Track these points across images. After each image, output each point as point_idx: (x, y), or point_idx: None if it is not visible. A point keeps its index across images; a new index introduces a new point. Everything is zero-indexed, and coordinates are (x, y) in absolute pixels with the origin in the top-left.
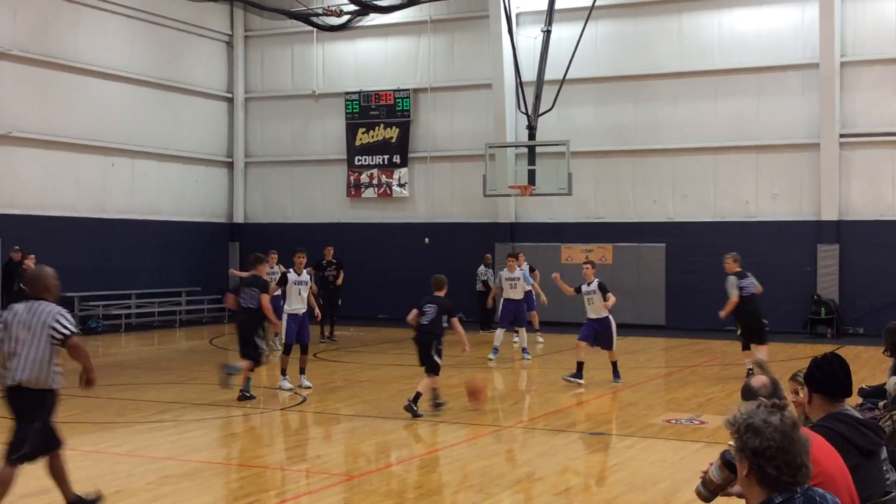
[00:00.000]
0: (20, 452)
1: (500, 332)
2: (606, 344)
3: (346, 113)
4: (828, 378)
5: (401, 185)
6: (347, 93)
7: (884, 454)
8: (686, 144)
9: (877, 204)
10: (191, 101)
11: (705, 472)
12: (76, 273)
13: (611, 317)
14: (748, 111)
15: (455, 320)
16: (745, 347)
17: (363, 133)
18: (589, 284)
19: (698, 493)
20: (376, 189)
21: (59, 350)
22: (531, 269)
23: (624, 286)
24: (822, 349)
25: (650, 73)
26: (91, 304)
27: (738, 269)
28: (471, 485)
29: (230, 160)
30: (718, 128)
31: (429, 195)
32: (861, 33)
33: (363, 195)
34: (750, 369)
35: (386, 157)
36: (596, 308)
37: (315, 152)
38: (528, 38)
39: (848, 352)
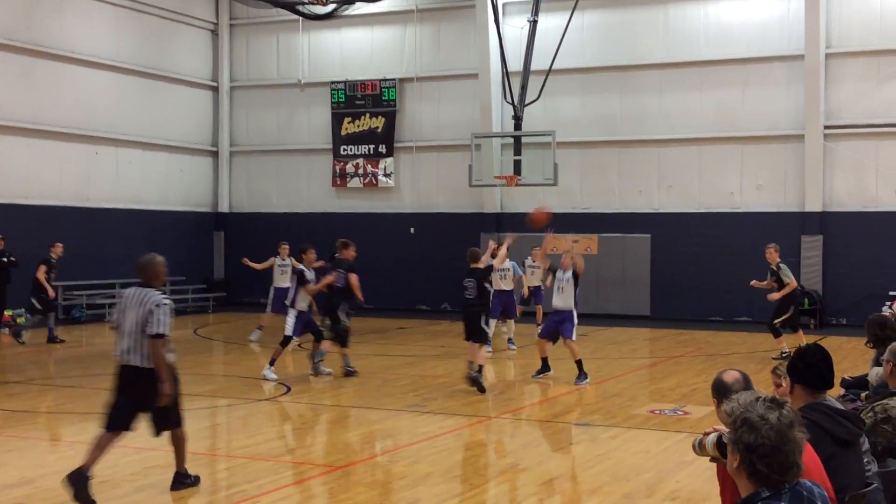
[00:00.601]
0: (125, 427)
1: (492, 324)
2: (567, 332)
3: (332, 102)
4: (810, 370)
5: (386, 175)
6: (333, 82)
7: (865, 445)
8: (672, 135)
9: (860, 195)
10: (176, 90)
11: (706, 434)
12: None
13: (574, 311)
14: (734, 102)
15: (484, 282)
16: (794, 330)
17: (349, 122)
18: (565, 272)
19: (693, 447)
20: (362, 179)
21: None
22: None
23: (609, 276)
24: (805, 340)
25: (636, 64)
26: (75, 293)
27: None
28: (455, 475)
29: (215, 149)
30: (704, 119)
31: (414, 185)
32: (846, 25)
33: (349, 185)
34: (786, 353)
35: (372, 146)
36: (564, 298)
37: (300, 142)
38: (515, 27)
39: (831, 342)
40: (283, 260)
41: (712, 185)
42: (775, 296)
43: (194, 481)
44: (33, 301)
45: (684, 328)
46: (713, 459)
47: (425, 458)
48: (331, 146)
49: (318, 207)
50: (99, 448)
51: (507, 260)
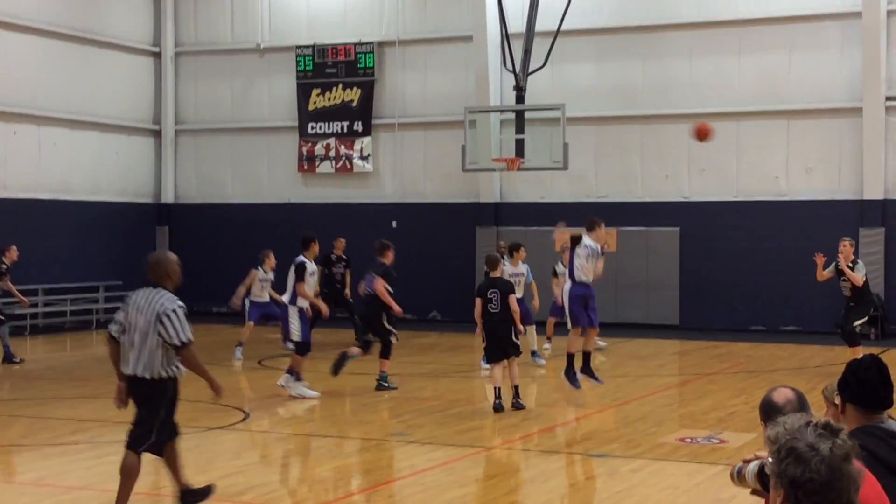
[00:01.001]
0: (147, 443)
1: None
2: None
3: (298, 71)
4: (863, 386)
5: (363, 158)
6: (299, 46)
7: None
8: (704, 109)
9: None
10: (109, 57)
11: (747, 461)
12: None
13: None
14: (778, 69)
15: (512, 297)
16: (856, 343)
17: (318, 95)
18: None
19: (731, 476)
20: (334, 162)
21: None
22: None
23: (631, 278)
24: (863, 353)
25: (662, 24)
26: None
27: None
28: None
29: (157, 128)
30: (743, 89)
31: (397, 170)
32: None
33: (318, 170)
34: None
35: (345, 123)
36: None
37: (260, 118)
38: None
39: (894, 356)
40: (266, 273)
41: (753, 168)
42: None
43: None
44: None
45: (720, 340)
46: (754, 492)
47: (411, 496)
48: (296, 124)
49: (282, 197)
50: (129, 477)
51: (521, 263)
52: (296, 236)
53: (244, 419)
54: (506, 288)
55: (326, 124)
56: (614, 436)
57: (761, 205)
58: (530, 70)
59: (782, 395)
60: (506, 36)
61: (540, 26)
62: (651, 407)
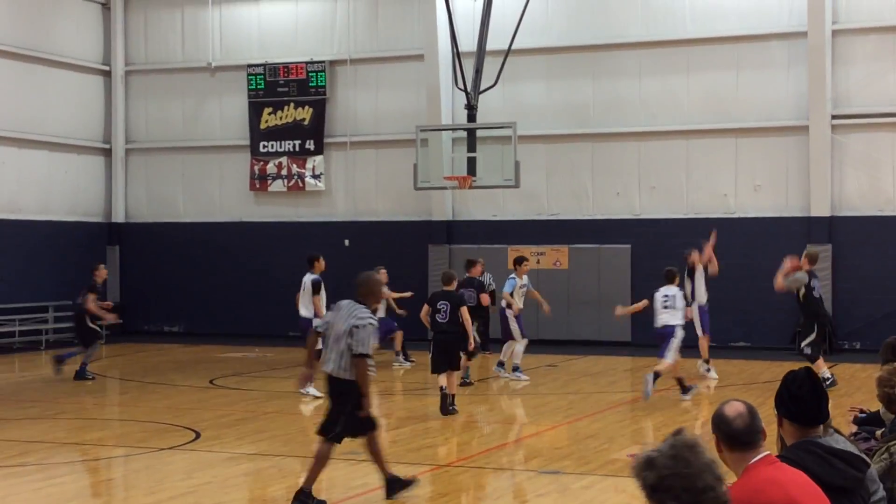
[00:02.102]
0: (333, 433)
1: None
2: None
3: (249, 90)
4: (796, 402)
5: (315, 177)
6: (250, 65)
7: (879, 493)
8: (654, 127)
9: (875, 197)
10: (58, 75)
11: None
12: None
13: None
14: (725, 88)
15: (464, 309)
16: (815, 358)
17: (269, 114)
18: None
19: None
20: (286, 181)
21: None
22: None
23: (582, 295)
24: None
25: (611, 43)
26: None
27: (810, 268)
28: None
29: (107, 146)
30: (691, 107)
31: (349, 188)
32: None
33: (270, 188)
34: (827, 380)
35: (297, 142)
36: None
37: (211, 137)
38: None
39: (843, 370)
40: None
41: (702, 185)
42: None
43: (407, 484)
44: (83, 332)
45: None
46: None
47: None
48: (248, 142)
49: (234, 215)
50: (319, 462)
51: (524, 276)
52: (249, 254)
53: (195, 439)
54: (458, 301)
55: (278, 143)
56: (566, 452)
57: (711, 222)
58: (481, 89)
59: (733, 409)
60: (457, 55)
61: (491, 45)
62: (603, 423)
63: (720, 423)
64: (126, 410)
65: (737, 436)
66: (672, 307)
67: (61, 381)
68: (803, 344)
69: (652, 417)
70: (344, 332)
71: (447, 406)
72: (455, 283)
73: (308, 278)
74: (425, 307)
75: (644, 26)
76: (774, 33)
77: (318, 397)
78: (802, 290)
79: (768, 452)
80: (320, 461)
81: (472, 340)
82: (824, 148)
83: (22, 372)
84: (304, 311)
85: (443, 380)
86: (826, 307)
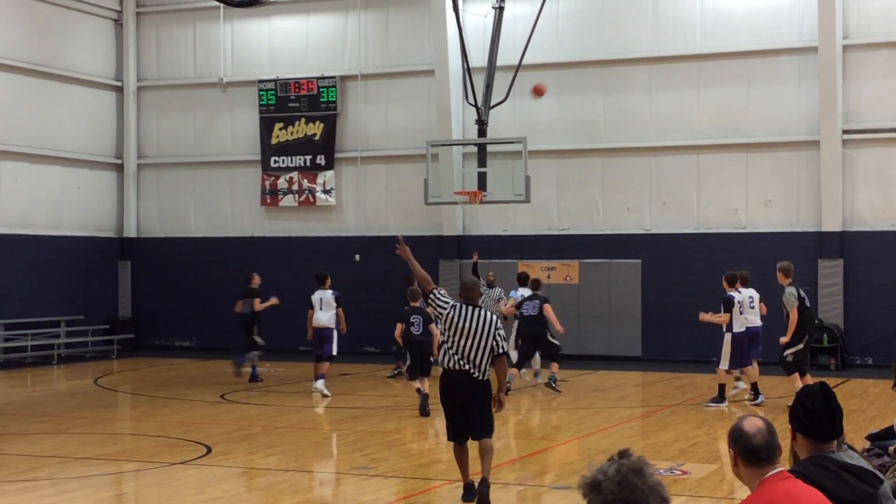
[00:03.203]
0: (492, 430)
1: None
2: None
3: (260, 105)
4: (809, 417)
5: (326, 192)
6: (261, 81)
7: None
8: (664, 142)
9: (887, 212)
10: (71, 91)
11: None
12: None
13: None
14: (736, 103)
15: (433, 326)
16: (793, 370)
17: (280, 129)
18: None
19: None
20: (297, 196)
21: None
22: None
23: (593, 310)
24: (809, 381)
25: (621, 58)
26: None
27: (791, 280)
28: None
29: (119, 162)
30: (702, 123)
31: (360, 203)
32: (866, 12)
33: (281, 203)
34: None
35: (308, 157)
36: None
37: (223, 152)
38: (478, 15)
39: (854, 386)
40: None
41: (713, 200)
42: (785, 339)
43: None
44: (255, 337)
45: (682, 371)
46: None
47: None
48: (259, 157)
49: (245, 230)
50: (457, 460)
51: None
52: (260, 269)
53: (206, 454)
54: (427, 317)
55: (289, 158)
56: (577, 468)
57: (721, 237)
58: (492, 104)
59: (752, 425)
60: (467, 70)
61: (501, 60)
62: (613, 438)
63: (739, 439)
64: (137, 425)
65: (755, 452)
66: (755, 308)
67: (73, 395)
68: (787, 352)
69: (663, 433)
70: (486, 334)
71: (426, 407)
72: (420, 300)
73: (329, 294)
74: (399, 325)
75: (654, 41)
76: (785, 48)
77: (326, 395)
78: (796, 304)
79: (783, 468)
80: (489, 454)
81: (436, 351)
82: (835, 163)
83: (34, 387)
84: (328, 322)
85: (423, 384)
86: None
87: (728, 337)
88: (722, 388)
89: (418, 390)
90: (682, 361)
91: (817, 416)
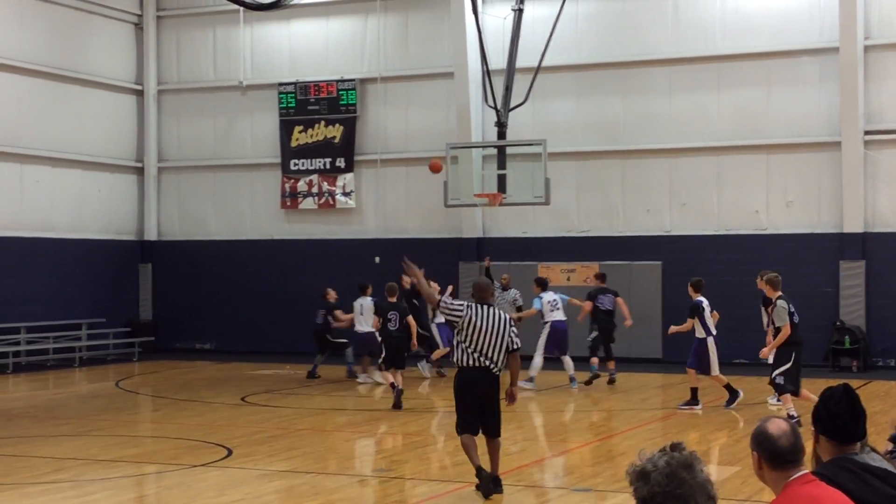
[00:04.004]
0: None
1: (540, 361)
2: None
3: (280, 108)
4: (833, 419)
5: (346, 194)
6: (281, 84)
7: None
8: (684, 144)
9: None
10: (92, 95)
11: None
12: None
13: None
14: (757, 104)
15: (410, 318)
16: (786, 390)
17: (300, 132)
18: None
19: None
20: (316, 199)
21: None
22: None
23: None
24: (812, 397)
25: (641, 60)
26: None
27: (780, 293)
28: None
29: (140, 165)
30: (722, 124)
31: (379, 206)
32: (888, 12)
33: (301, 206)
34: (793, 418)
35: (328, 160)
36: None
37: (243, 155)
38: (497, 18)
39: (877, 388)
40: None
41: (733, 202)
42: (766, 351)
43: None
44: (332, 344)
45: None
46: None
47: None
48: (279, 160)
49: (265, 233)
50: (468, 448)
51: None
52: (280, 272)
53: (227, 456)
54: (404, 311)
55: (309, 161)
56: (598, 470)
57: (742, 238)
58: (511, 106)
59: (778, 427)
60: (487, 72)
61: (521, 63)
62: (634, 441)
63: (763, 442)
64: (159, 427)
65: (781, 454)
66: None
67: (94, 397)
68: (776, 373)
69: (684, 435)
70: (503, 331)
71: (400, 401)
72: (398, 295)
73: (369, 301)
74: (375, 318)
75: (674, 43)
76: (806, 49)
77: (379, 384)
78: (787, 318)
79: (807, 471)
80: (467, 447)
81: (414, 342)
82: (857, 164)
83: (55, 389)
84: (366, 328)
85: (396, 377)
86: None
87: (711, 341)
88: (693, 391)
89: (392, 385)
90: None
91: (840, 418)
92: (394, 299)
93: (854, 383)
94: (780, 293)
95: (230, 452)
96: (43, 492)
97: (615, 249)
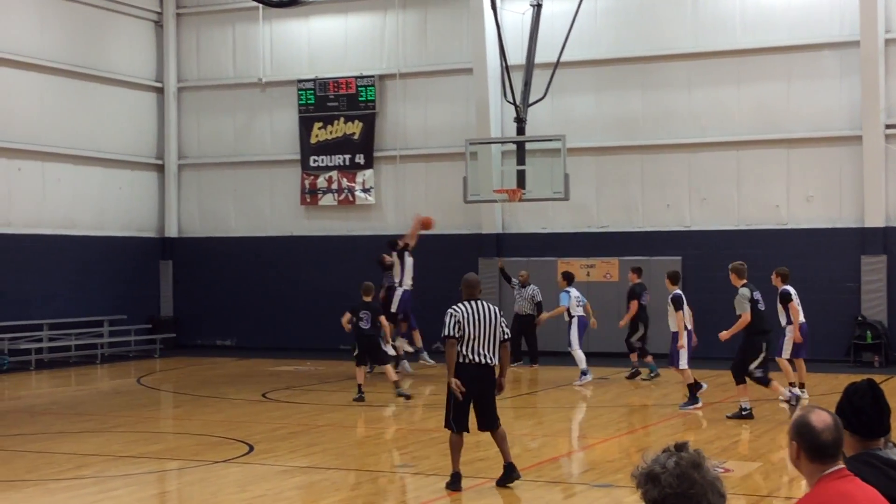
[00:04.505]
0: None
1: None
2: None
3: (299, 104)
4: (857, 413)
5: (365, 191)
6: (300, 80)
7: None
8: (704, 138)
9: None
10: (113, 93)
11: None
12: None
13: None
14: (777, 98)
15: (382, 318)
16: (769, 381)
17: (320, 128)
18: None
19: None
20: (336, 195)
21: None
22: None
23: None
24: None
25: (660, 55)
26: None
27: (745, 281)
28: None
29: (160, 162)
30: (742, 118)
31: (399, 202)
32: None
33: (320, 202)
34: (791, 401)
35: (347, 156)
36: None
37: (262, 152)
38: (516, 13)
39: None
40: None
41: (753, 196)
42: (725, 334)
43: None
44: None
45: (724, 368)
46: None
47: None
48: (298, 157)
49: (285, 230)
50: (455, 449)
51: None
52: (300, 268)
53: (248, 452)
54: (376, 311)
55: (328, 157)
56: (618, 466)
57: (763, 233)
58: (530, 101)
59: (821, 420)
60: (506, 68)
61: (539, 58)
62: (655, 437)
63: (805, 433)
64: (180, 424)
65: (821, 448)
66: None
67: (116, 394)
68: (752, 367)
69: (705, 431)
70: (495, 323)
71: (362, 395)
72: (373, 295)
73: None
74: (347, 315)
75: (694, 37)
76: (826, 43)
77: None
78: (748, 306)
79: (842, 465)
80: (454, 448)
81: (388, 339)
82: (878, 158)
83: (78, 386)
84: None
85: (360, 374)
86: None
87: (685, 337)
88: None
89: (359, 386)
90: (723, 359)
91: (864, 413)
92: (368, 298)
93: (876, 378)
94: (745, 281)
95: (251, 448)
96: (66, 488)
97: (635, 245)
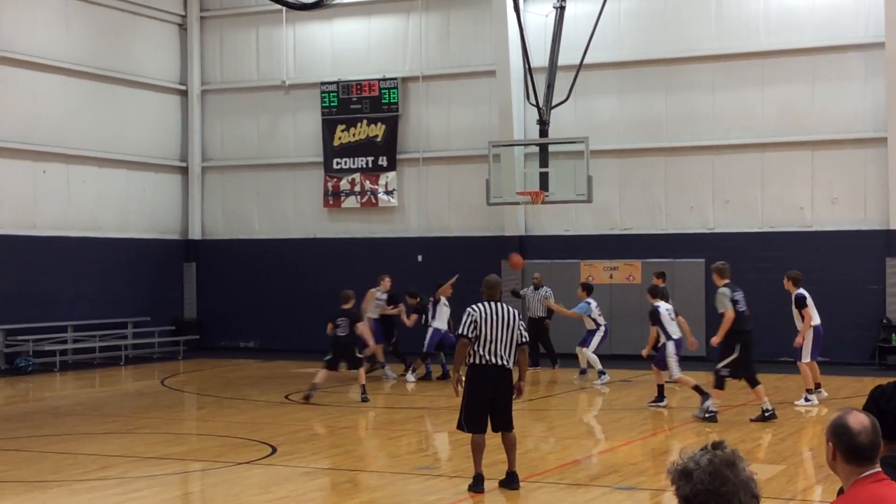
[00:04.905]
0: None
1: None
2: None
3: (323, 107)
4: (884, 417)
5: (388, 193)
6: (323, 83)
7: None
8: (728, 140)
9: None
10: (137, 95)
11: None
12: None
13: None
14: (801, 100)
15: (359, 325)
16: (755, 383)
17: (343, 131)
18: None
19: None
20: (359, 197)
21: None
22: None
23: None
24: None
25: (684, 56)
26: (19, 338)
27: (727, 281)
28: None
29: (184, 165)
30: (766, 120)
31: (422, 204)
32: None
33: (343, 204)
34: (767, 412)
35: (370, 159)
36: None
37: (286, 154)
38: (539, 15)
39: None
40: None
41: (778, 199)
42: (716, 339)
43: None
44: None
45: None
46: None
47: None
48: (321, 159)
49: (308, 232)
50: (477, 451)
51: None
52: (322, 270)
53: (271, 454)
54: (354, 318)
55: (351, 160)
56: (641, 468)
57: (787, 235)
58: (553, 104)
59: (859, 421)
60: (529, 70)
61: (562, 60)
62: (678, 439)
63: (842, 434)
64: (203, 425)
65: (858, 450)
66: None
67: (140, 395)
68: (720, 364)
69: (728, 433)
70: (514, 325)
71: (311, 396)
72: (352, 302)
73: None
74: (330, 325)
75: (717, 39)
76: (851, 44)
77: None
78: (729, 304)
79: (879, 469)
80: (514, 446)
81: (370, 345)
82: None
83: (102, 387)
84: (441, 325)
85: (321, 376)
86: (750, 323)
87: (671, 346)
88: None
89: (315, 384)
90: None
91: (891, 416)
92: (347, 306)
93: (892, 380)
94: (726, 280)
95: (274, 450)
96: (90, 489)
97: (658, 247)
